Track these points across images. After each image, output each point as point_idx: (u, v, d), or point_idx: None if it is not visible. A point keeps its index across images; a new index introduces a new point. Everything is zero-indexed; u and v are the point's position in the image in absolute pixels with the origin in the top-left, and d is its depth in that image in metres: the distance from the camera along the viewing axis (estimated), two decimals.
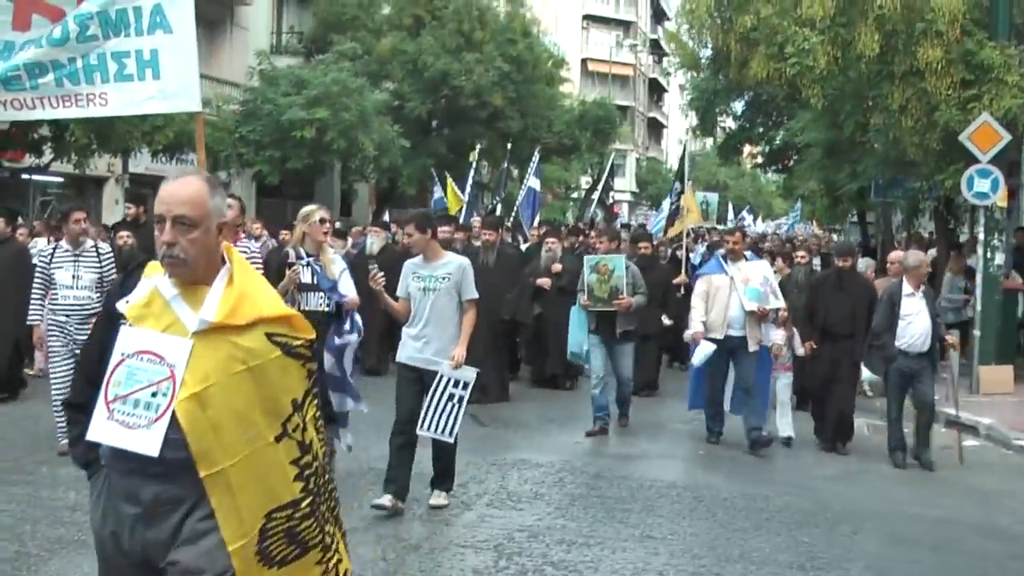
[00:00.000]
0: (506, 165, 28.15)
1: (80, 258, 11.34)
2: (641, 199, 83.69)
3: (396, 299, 9.60)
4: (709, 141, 54.51)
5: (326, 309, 9.50)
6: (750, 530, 9.20)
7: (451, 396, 9.19)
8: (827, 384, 13.15)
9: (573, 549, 8.35)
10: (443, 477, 9.63)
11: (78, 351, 10.44)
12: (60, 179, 28.03)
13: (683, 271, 18.74)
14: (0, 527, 8.44)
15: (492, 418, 13.90)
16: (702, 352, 12.50)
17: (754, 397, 12.74)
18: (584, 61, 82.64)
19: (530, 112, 39.41)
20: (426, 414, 9.18)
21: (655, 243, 18.97)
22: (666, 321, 16.56)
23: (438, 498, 9.54)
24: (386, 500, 9.12)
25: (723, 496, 10.37)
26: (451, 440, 9.33)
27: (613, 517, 9.39)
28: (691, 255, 21.11)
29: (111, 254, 11.70)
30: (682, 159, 23.77)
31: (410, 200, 37.18)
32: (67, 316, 11.18)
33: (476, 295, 9.58)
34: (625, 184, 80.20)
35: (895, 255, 15.25)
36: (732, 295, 12.62)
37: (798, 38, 18.30)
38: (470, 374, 9.24)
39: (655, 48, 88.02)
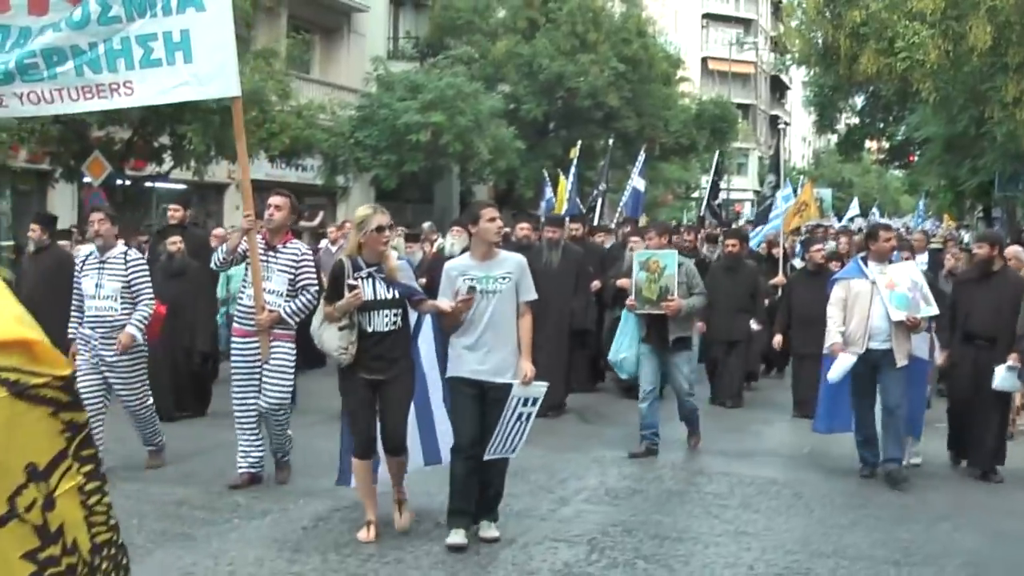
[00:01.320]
0: (606, 161, 27.96)
1: (105, 265, 10.28)
2: (764, 197, 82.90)
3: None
4: (833, 137, 53.75)
5: (393, 328, 8.11)
6: (847, 526, 9.11)
7: (520, 415, 7.99)
8: (969, 400, 11.33)
9: (666, 544, 8.36)
10: (494, 504, 8.39)
11: (105, 369, 10.15)
12: (182, 186, 28.64)
13: (781, 271, 17.80)
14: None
15: (596, 415, 13.95)
16: (840, 366, 10.71)
17: (897, 420, 10.77)
18: (704, 60, 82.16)
19: (646, 112, 39.34)
20: (495, 438, 7.97)
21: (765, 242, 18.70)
22: (755, 326, 15.26)
23: (490, 529, 8.27)
24: (460, 538, 8.03)
25: (823, 492, 10.28)
26: (513, 455, 8.26)
27: (709, 513, 9.38)
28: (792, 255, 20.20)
29: (139, 261, 10.38)
30: (776, 151, 23.40)
31: (528, 202, 37.36)
32: (92, 329, 10.22)
33: (535, 296, 8.39)
34: (747, 183, 79.55)
35: (1011, 250, 14.69)
36: (874, 302, 10.76)
37: (908, 32, 18.09)
38: (540, 389, 8.08)
39: (776, 45, 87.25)
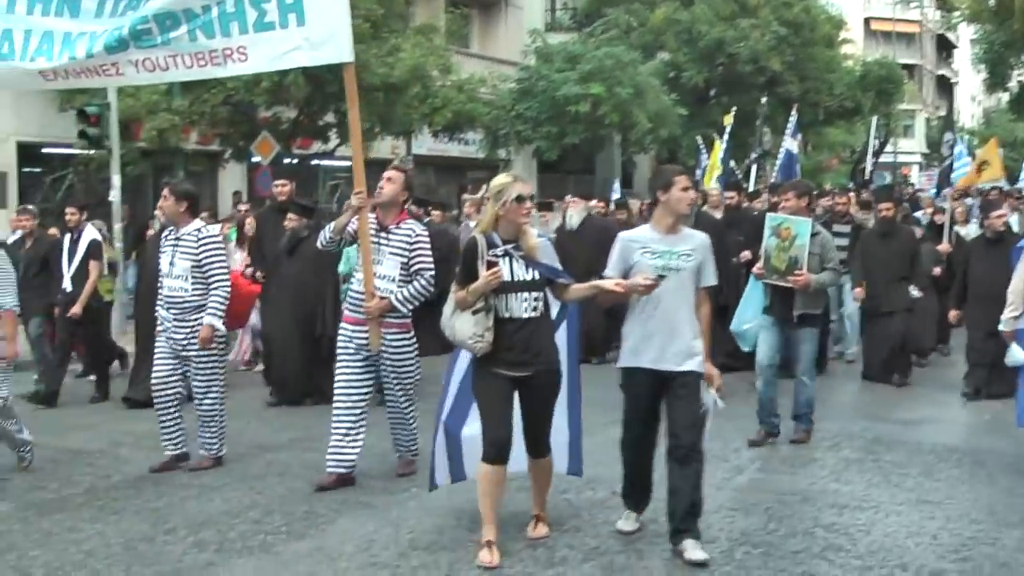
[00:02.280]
0: (760, 126, 27.35)
1: (179, 243, 9.73)
2: (932, 160, 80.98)
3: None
4: (1005, 96, 52.08)
5: (534, 315, 7.13)
6: None
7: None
8: None
9: (845, 512, 8.22)
10: (691, 517, 7.20)
11: (181, 351, 9.69)
12: (347, 163, 29.04)
13: (945, 239, 16.38)
14: (294, 489, 8.95)
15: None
16: (1018, 353, 9.68)
17: None
18: (867, 20, 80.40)
19: (809, 75, 38.67)
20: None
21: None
22: (915, 293, 14.09)
23: (696, 550, 7.06)
24: (631, 523, 7.64)
25: (1007, 461, 9.96)
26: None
27: (889, 481, 9.19)
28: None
29: (211, 240, 9.77)
30: (949, 111, 22.67)
31: (690, 171, 37.05)
32: (166, 309, 9.77)
33: (715, 281, 7.54)
34: (914, 145, 77.73)
35: None
36: None
37: None
38: (712, 397, 7.31)
39: (941, 2, 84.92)
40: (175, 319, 9.67)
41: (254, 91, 21.84)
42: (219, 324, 9.66)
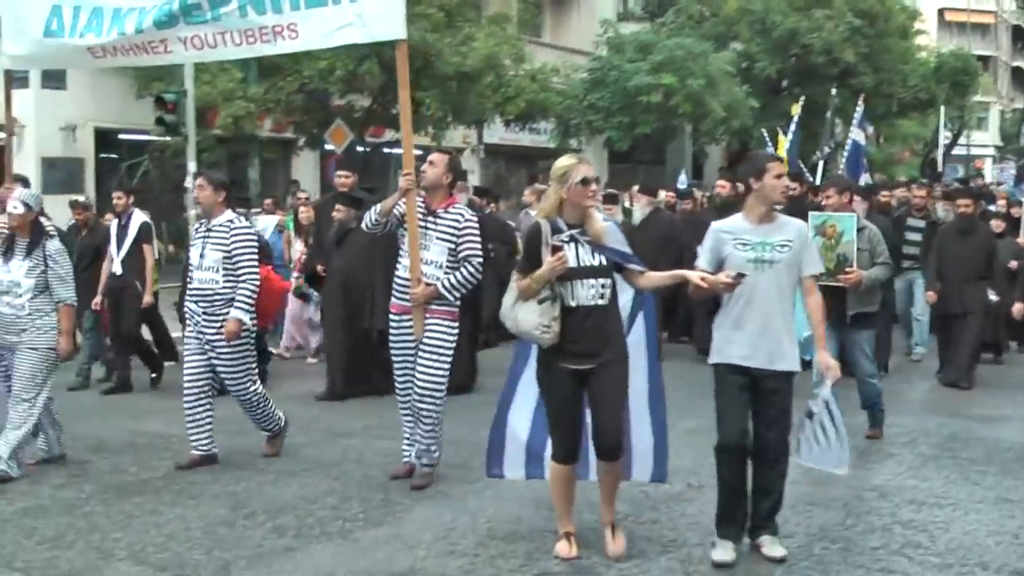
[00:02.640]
0: (829, 117, 26.89)
1: (210, 234, 9.47)
2: (1006, 153, 79.88)
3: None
4: None
5: (601, 302, 6.78)
6: None
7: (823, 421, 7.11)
8: None
9: (923, 509, 8.16)
10: (772, 513, 7.15)
11: (208, 347, 9.44)
12: (419, 152, 29.14)
13: (1023, 233, 15.72)
14: (370, 476, 9.03)
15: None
16: None
17: None
18: (941, 11, 79.45)
19: (883, 67, 38.27)
20: (806, 445, 7.16)
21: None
22: (992, 296, 13.69)
23: (775, 546, 7.04)
24: (729, 553, 6.95)
25: None
26: (844, 470, 7.32)
27: (967, 479, 9.09)
28: None
29: (243, 230, 9.52)
30: None
31: None
32: (195, 302, 9.50)
33: (821, 268, 7.43)
34: (987, 138, 76.76)
35: None
36: None
37: None
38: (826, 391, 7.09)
39: None
40: (204, 312, 9.40)
41: (329, 79, 22.01)
42: (246, 318, 9.37)
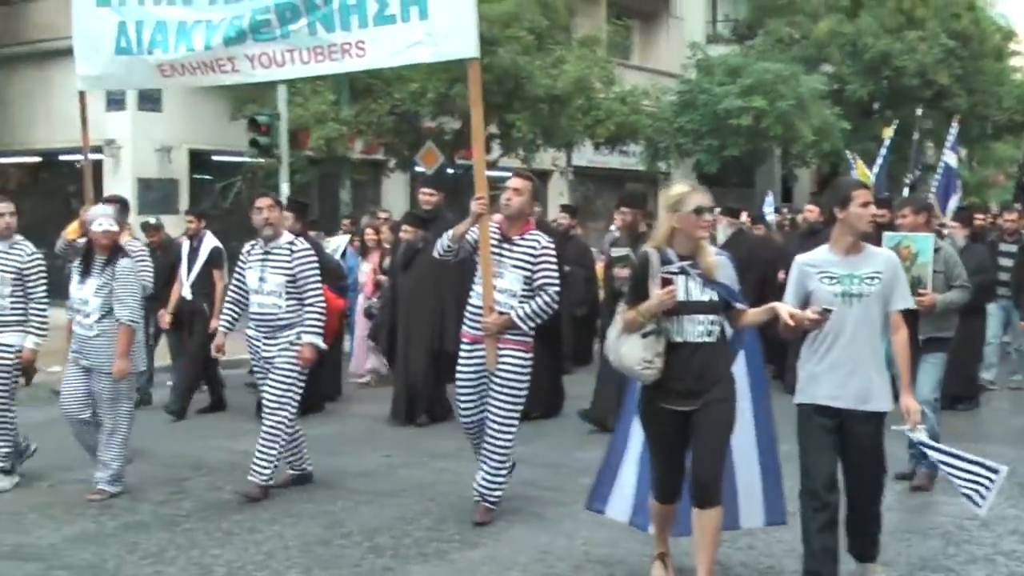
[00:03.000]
0: (916, 137, 26.13)
1: (269, 257, 9.22)
2: None
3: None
4: None
5: (709, 340, 6.41)
6: None
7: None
8: None
9: None
10: (872, 541, 6.92)
11: (271, 370, 9.15)
12: (508, 174, 29.24)
13: None
14: (465, 498, 8.92)
15: None
16: None
17: None
18: None
19: (977, 89, 37.75)
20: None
21: None
22: None
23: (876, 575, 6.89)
24: None
25: None
26: (982, 509, 6.71)
27: None
28: None
29: (306, 252, 9.27)
30: None
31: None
32: (256, 328, 9.27)
33: (912, 303, 7.06)
34: None
35: None
36: None
37: None
38: (920, 434, 6.71)
39: None
40: (266, 337, 9.18)
41: (420, 101, 22.14)
42: (320, 342, 9.24)
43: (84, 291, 9.07)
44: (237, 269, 9.48)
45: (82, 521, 8.56)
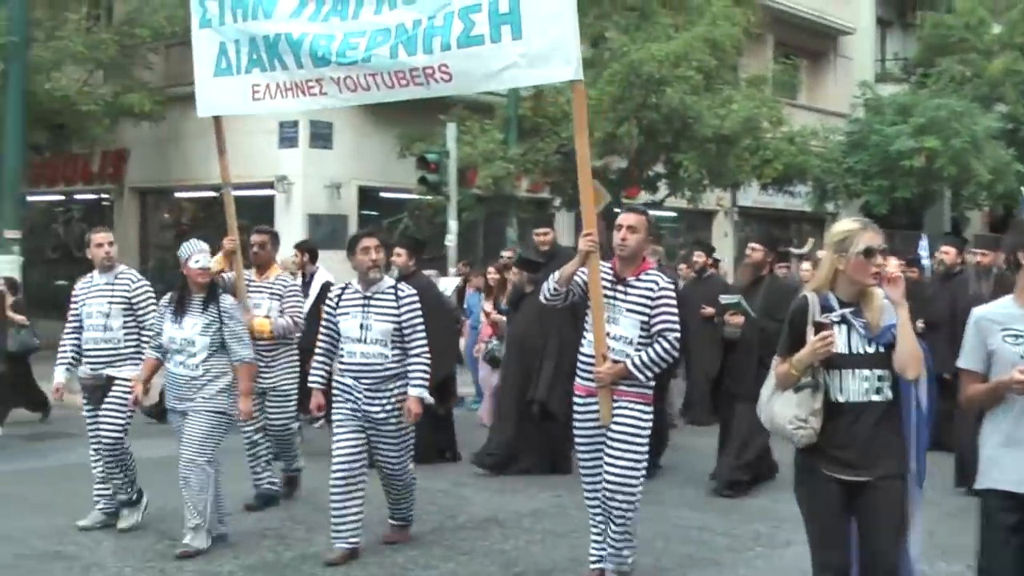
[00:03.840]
0: None
1: (371, 302, 8.51)
2: None
3: None
4: None
5: (877, 399, 5.54)
6: None
7: None
8: None
9: None
10: None
11: (369, 427, 8.51)
12: (673, 214, 29.19)
13: None
14: (642, 539, 8.82)
15: None
16: None
17: None
18: None
19: None
20: None
21: None
22: None
23: None
24: None
25: None
26: None
27: None
28: None
29: (412, 298, 8.57)
30: None
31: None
32: (355, 379, 8.50)
33: None
34: None
35: None
36: None
37: None
38: None
39: None
40: (367, 389, 8.43)
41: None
42: (427, 395, 8.65)
43: (186, 331, 8.60)
44: (326, 316, 8.76)
45: (260, 551, 8.72)
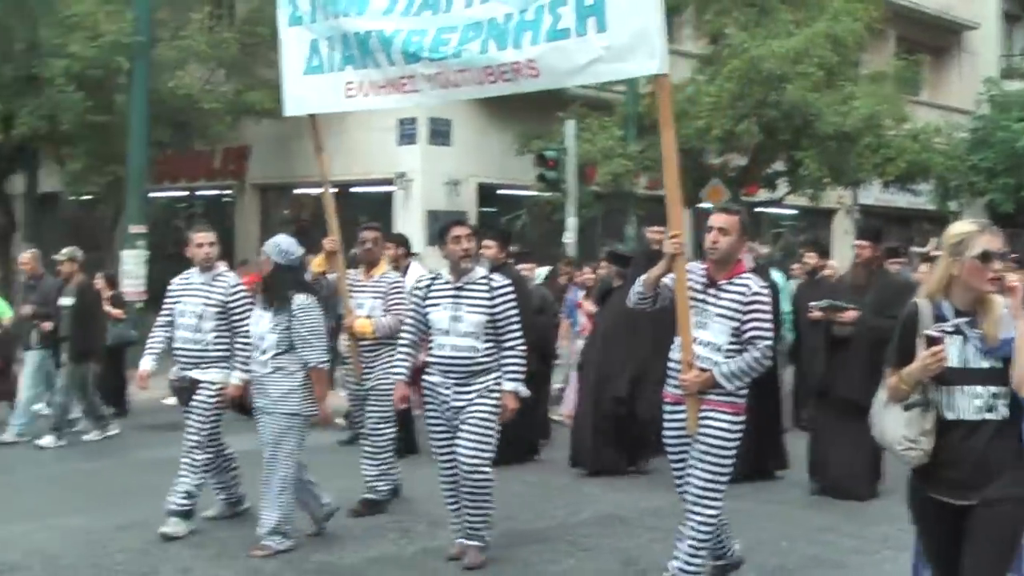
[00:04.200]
0: None
1: (462, 292, 8.13)
2: None
3: None
4: None
5: (991, 417, 5.08)
6: None
7: None
8: None
9: None
10: None
11: (458, 422, 8.07)
12: (793, 211, 28.92)
13: None
14: (761, 541, 8.77)
15: None
16: None
17: None
18: None
19: None
20: None
21: None
22: None
23: None
24: None
25: None
26: None
27: None
28: None
29: (507, 289, 8.17)
30: None
31: None
32: (443, 374, 8.13)
33: None
34: None
35: None
36: None
37: None
38: None
39: None
40: (456, 384, 8.06)
41: (705, 138, 22.07)
42: (523, 390, 8.21)
43: (261, 327, 8.52)
44: (413, 308, 8.49)
45: (383, 545, 8.80)
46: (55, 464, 12.45)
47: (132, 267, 19.45)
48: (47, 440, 13.27)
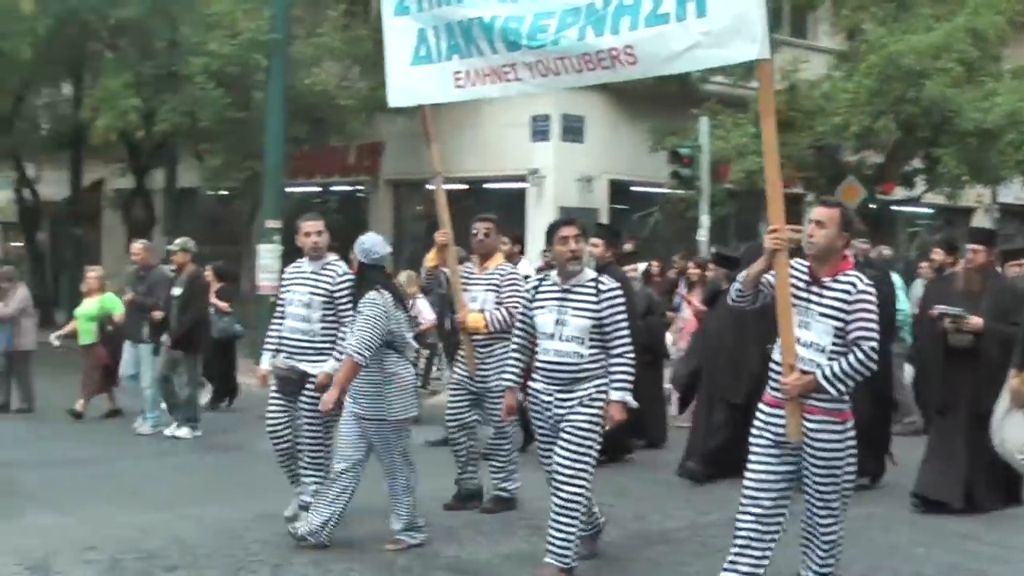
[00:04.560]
0: None
1: (569, 296, 7.66)
2: None
3: None
4: None
5: None
6: None
7: None
8: None
9: None
10: None
11: (565, 433, 7.57)
12: (930, 210, 28.38)
13: None
14: (894, 545, 8.65)
15: None
16: None
17: None
18: None
19: None
20: None
21: None
22: None
23: None
24: None
25: None
26: None
27: None
28: None
29: (615, 292, 7.66)
30: None
31: None
32: (546, 380, 7.71)
33: None
34: None
35: None
36: None
37: None
38: None
39: None
40: (559, 391, 7.63)
41: (842, 135, 21.81)
42: (631, 399, 7.65)
43: (347, 324, 8.59)
44: (522, 311, 8.16)
45: (514, 541, 8.85)
46: (187, 455, 12.76)
47: (268, 261, 19.81)
48: (183, 431, 13.57)
